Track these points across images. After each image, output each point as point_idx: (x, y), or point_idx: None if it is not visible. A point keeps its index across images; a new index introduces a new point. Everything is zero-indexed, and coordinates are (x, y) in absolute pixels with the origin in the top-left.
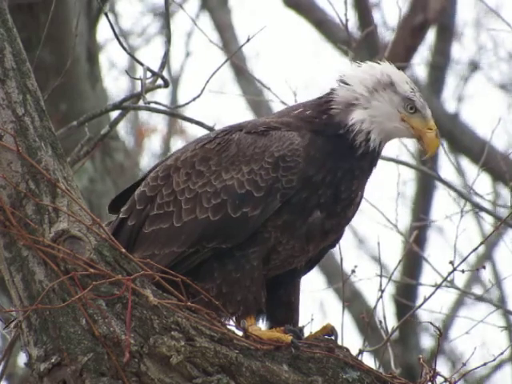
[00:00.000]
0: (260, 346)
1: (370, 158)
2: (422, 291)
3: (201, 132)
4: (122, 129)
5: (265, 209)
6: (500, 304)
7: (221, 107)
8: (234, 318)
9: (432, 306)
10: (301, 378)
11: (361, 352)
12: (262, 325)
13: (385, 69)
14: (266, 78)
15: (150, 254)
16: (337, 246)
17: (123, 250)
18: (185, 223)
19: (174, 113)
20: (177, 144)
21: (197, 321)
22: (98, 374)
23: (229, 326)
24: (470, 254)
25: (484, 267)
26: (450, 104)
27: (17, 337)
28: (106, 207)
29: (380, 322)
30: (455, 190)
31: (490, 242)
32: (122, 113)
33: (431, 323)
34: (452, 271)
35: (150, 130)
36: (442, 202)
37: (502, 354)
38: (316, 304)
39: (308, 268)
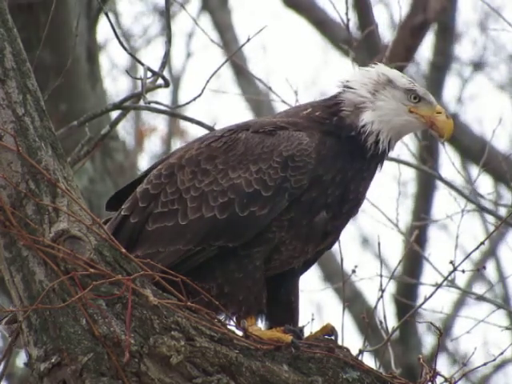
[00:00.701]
0: (260, 345)
1: (379, 159)
2: (423, 291)
3: (201, 132)
4: (122, 129)
5: (273, 208)
6: (502, 303)
7: (221, 107)
8: (234, 318)
9: (433, 305)
10: (301, 378)
11: (361, 352)
12: (262, 325)
13: (379, 69)
14: (266, 78)
15: (154, 251)
16: (337, 246)
17: (123, 250)
18: (191, 221)
19: (174, 113)
20: (177, 144)
21: (197, 321)
22: (98, 374)
23: (229, 326)
24: (470, 254)
25: (484, 267)
26: (450, 104)
27: (17, 336)
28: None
29: (380, 322)
30: (456, 190)
31: (493, 240)
32: (123, 113)
33: (431, 323)
34: (452, 271)
35: (150, 130)
36: (443, 202)
37: (502, 353)
38: (316, 304)
39: (305, 268)
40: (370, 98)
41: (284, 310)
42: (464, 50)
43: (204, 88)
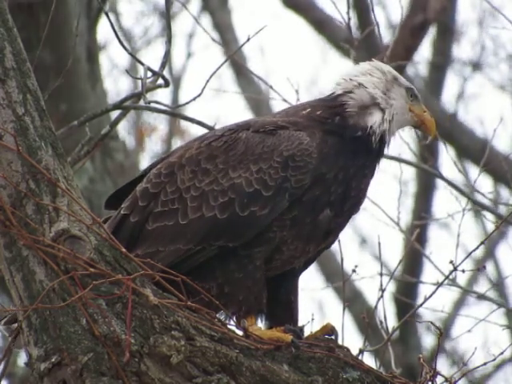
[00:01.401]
0: (260, 345)
1: (380, 156)
2: (423, 291)
3: (201, 132)
4: (123, 129)
5: (273, 208)
6: (502, 302)
7: (221, 107)
8: (234, 318)
9: (433, 305)
10: (301, 378)
11: (361, 352)
12: (262, 324)
13: (383, 67)
14: (265, 78)
15: (154, 250)
16: (337, 246)
17: (123, 250)
18: (191, 221)
19: (174, 112)
20: (177, 144)
21: (197, 320)
22: (98, 374)
23: (229, 326)
24: (470, 254)
25: (484, 267)
26: (449, 104)
27: (16, 336)
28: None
29: (381, 321)
30: (457, 188)
31: (493, 239)
32: (123, 112)
33: (432, 323)
34: (453, 271)
35: (150, 130)
36: (443, 202)
37: (502, 353)
38: (316, 304)
39: (304, 267)
40: (384, 97)
41: (284, 309)
42: (463, 49)
43: (204, 88)
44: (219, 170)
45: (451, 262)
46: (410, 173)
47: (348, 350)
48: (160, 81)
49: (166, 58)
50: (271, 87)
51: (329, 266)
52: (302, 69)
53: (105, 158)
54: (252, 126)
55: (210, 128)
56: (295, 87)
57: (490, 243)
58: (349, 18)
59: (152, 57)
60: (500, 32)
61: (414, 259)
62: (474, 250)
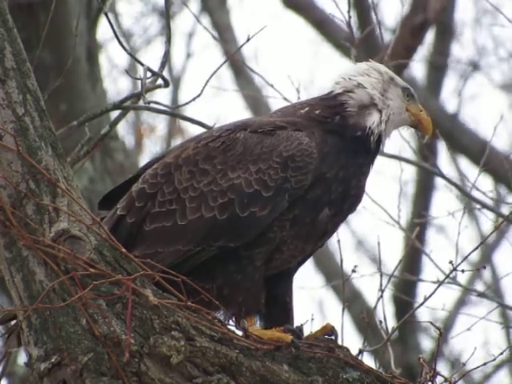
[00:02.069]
0: (260, 345)
1: (375, 155)
2: (422, 291)
3: (201, 132)
4: (122, 129)
5: (273, 208)
6: (501, 301)
7: (221, 107)
8: (234, 318)
9: (433, 304)
10: (301, 378)
11: (361, 352)
12: (257, 325)
13: (380, 67)
14: (265, 78)
15: (153, 251)
16: (337, 246)
17: (123, 250)
18: (190, 222)
19: (174, 113)
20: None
21: (197, 320)
22: (98, 374)
23: (229, 326)
24: (471, 253)
25: (485, 267)
26: (449, 104)
27: (9, 337)
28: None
29: (380, 321)
30: (457, 187)
31: (493, 238)
32: (122, 113)
33: (431, 323)
34: (453, 270)
35: (150, 130)
36: (442, 202)
37: (502, 353)
38: (316, 304)
39: (298, 265)
40: (381, 98)
41: (280, 310)
42: (463, 49)
43: (204, 88)
44: (218, 171)
45: (451, 261)
46: (409, 172)
47: (348, 350)
48: (159, 81)
49: (166, 58)
50: (272, 86)
51: (328, 266)
52: (301, 68)
53: (105, 158)
54: (250, 127)
55: (210, 128)
56: (295, 86)
57: (487, 244)
58: (349, 17)
59: (151, 57)
60: (500, 31)
61: (412, 259)
62: (474, 250)
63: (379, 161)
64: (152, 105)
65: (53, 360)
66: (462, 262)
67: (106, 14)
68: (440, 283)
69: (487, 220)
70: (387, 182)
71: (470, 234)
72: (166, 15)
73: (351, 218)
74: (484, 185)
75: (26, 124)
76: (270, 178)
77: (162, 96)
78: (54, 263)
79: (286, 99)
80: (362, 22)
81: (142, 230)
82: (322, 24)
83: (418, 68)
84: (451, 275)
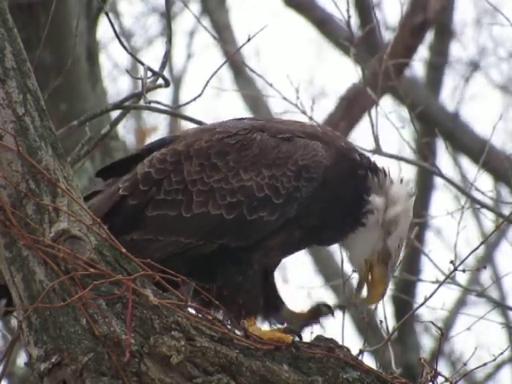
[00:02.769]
0: (260, 345)
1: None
2: (422, 291)
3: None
4: (123, 129)
5: (281, 215)
6: (501, 301)
7: (221, 107)
8: (233, 320)
9: (432, 304)
10: (301, 378)
11: (361, 352)
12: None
13: (410, 212)
14: (265, 77)
15: (153, 237)
16: (337, 246)
17: (124, 250)
18: (195, 215)
19: (174, 112)
20: None
21: (197, 320)
22: (99, 374)
23: (229, 326)
24: (471, 254)
25: (485, 267)
26: (449, 103)
27: (17, 336)
28: None
29: (380, 321)
30: (456, 187)
31: (492, 238)
32: (123, 112)
33: (432, 323)
34: (453, 270)
35: (151, 130)
36: (441, 203)
37: (502, 353)
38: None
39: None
40: (380, 219)
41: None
42: (463, 49)
43: (204, 88)
44: (230, 169)
45: (451, 261)
46: (409, 172)
47: (348, 350)
48: (160, 81)
49: (167, 58)
50: (271, 85)
51: (328, 266)
52: (301, 68)
53: (105, 157)
54: (268, 130)
55: None
56: (295, 85)
57: (490, 242)
58: (349, 16)
59: (152, 56)
60: (500, 31)
61: (411, 260)
62: (475, 250)
63: (378, 160)
64: (153, 104)
65: (53, 360)
66: (461, 262)
67: (107, 14)
68: (440, 283)
69: (487, 220)
70: None
71: (473, 233)
72: (167, 15)
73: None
74: (484, 184)
75: (26, 124)
76: (282, 186)
77: (163, 96)
78: (54, 263)
79: (285, 99)
80: (364, 21)
81: (143, 214)
82: (322, 23)
83: (418, 68)
84: (450, 276)
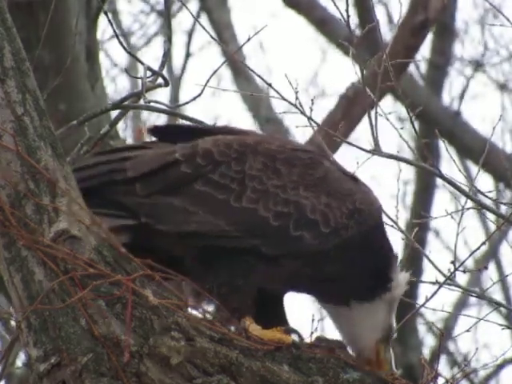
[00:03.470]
0: (260, 346)
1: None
2: (421, 292)
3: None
4: (122, 128)
5: (320, 243)
6: (501, 302)
7: (221, 107)
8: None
9: (432, 305)
10: (301, 379)
11: None
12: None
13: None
14: (265, 77)
15: (195, 210)
16: None
17: (123, 250)
18: (242, 208)
19: (174, 112)
20: None
21: (197, 321)
22: (98, 375)
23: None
24: (471, 254)
25: (486, 267)
26: (450, 103)
27: (17, 336)
28: None
29: None
30: (456, 187)
31: (494, 239)
32: (122, 112)
33: (433, 323)
34: (454, 271)
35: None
36: (442, 204)
37: (503, 354)
38: (316, 304)
39: None
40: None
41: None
42: (465, 48)
43: (204, 88)
44: (291, 180)
45: (452, 262)
46: (408, 174)
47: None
48: (160, 80)
49: (166, 58)
50: (270, 85)
51: None
52: (301, 68)
53: None
54: (333, 164)
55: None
56: (294, 85)
57: (492, 243)
58: (348, 16)
59: (151, 56)
60: (501, 31)
61: (411, 261)
62: (475, 251)
63: (378, 160)
64: (152, 104)
65: (52, 361)
66: (462, 263)
67: (106, 13)
68: (441, 284)
69: (488, 221)
70: (386, 181)
71: (478, 235)
72: (166, 14)
73: None
74: (485, 185)
75: (25, 123)
76: (333, 218)
77: (162, 95)
78: (54, 263)
79: (284, 99)
80: (364, 20)
81: (191, 185)
82: (322, 23)
83: (419, 67)
84: (451, 276)
